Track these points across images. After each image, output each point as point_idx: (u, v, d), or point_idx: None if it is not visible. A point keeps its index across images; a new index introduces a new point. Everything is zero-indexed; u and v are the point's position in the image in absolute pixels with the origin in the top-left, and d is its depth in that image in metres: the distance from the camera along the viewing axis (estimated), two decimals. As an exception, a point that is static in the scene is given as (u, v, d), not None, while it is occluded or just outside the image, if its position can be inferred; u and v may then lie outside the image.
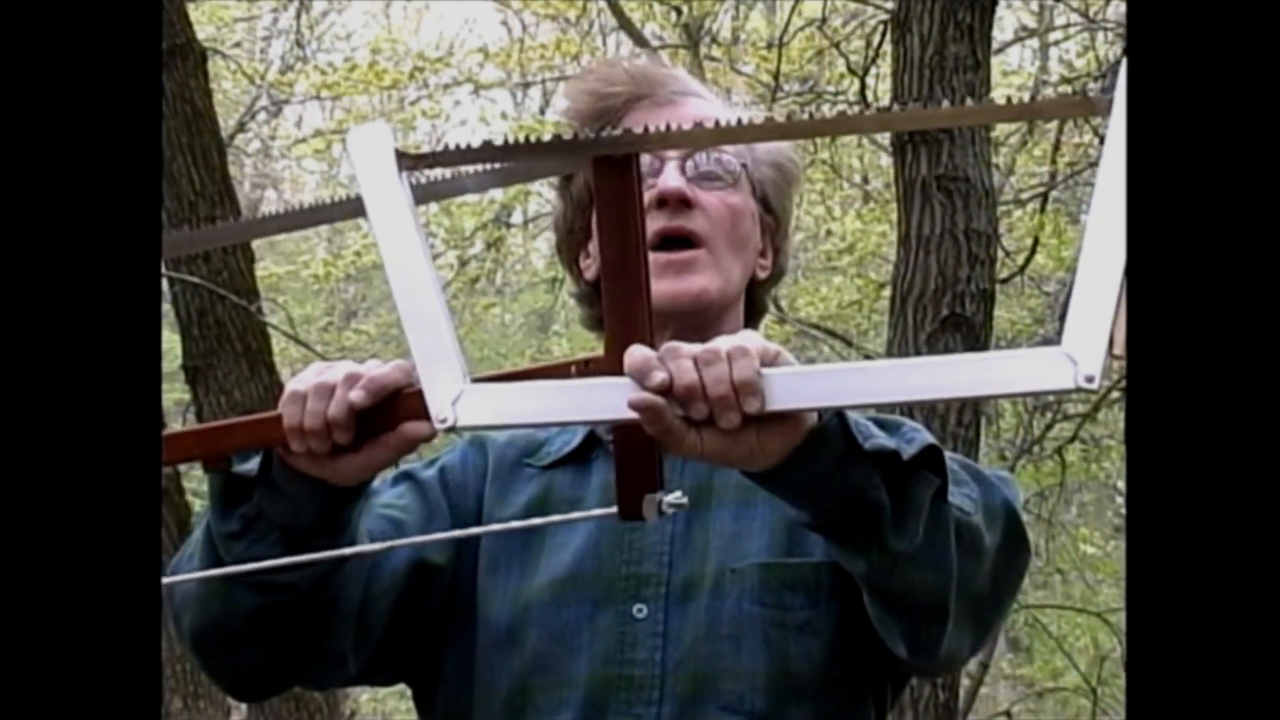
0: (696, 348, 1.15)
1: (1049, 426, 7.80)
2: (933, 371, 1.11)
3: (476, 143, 1.20)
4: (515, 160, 1.21)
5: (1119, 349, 1.06)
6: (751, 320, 1.55)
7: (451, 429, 1.18)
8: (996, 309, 4.71)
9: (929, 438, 1.29)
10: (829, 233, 8.62)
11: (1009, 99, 1.11)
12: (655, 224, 1.43)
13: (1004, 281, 5.90)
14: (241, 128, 9.14)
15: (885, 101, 4.96)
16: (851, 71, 5.76)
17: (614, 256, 1.20)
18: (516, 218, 9.67)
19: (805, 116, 1.17)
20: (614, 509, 1.24)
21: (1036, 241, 6.40)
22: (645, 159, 1.43)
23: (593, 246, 1.49)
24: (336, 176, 12.30)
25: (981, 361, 1.12)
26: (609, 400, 1.15)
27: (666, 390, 1.14)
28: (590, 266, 1.52)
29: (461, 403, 1.17)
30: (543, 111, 10.44)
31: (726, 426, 1.14)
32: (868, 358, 7.93)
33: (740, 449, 1.16)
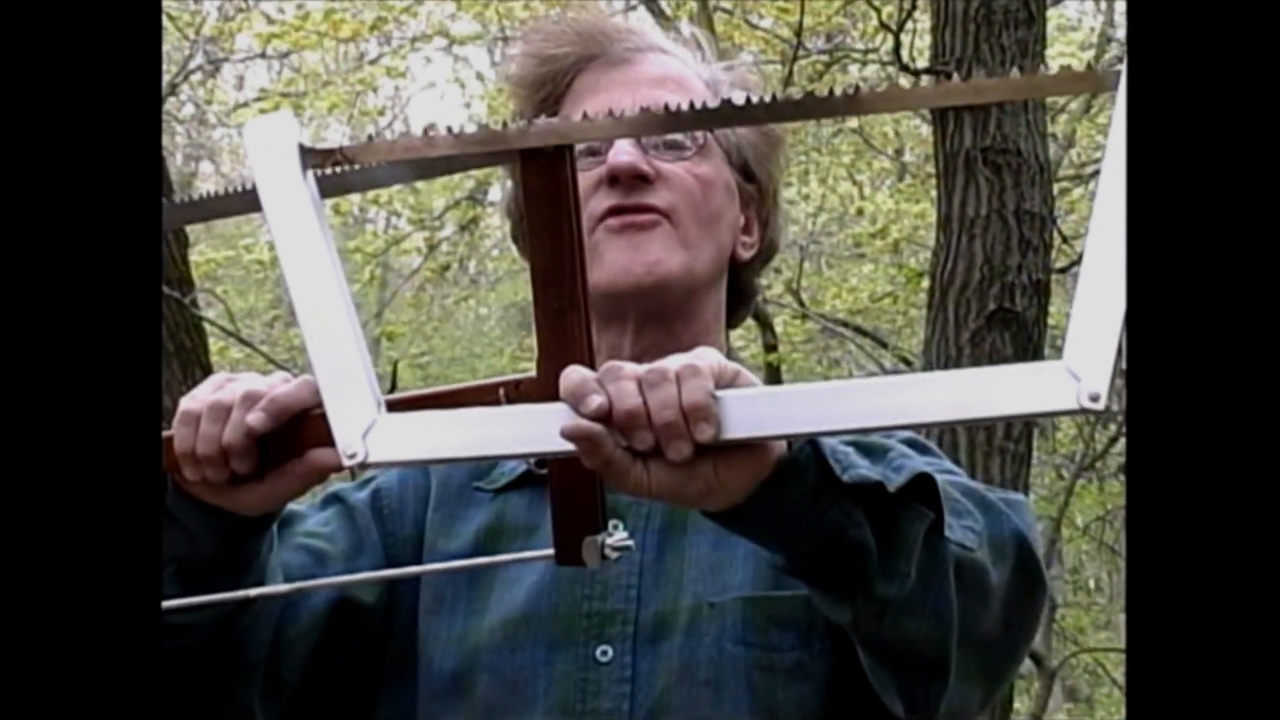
0: (640, 368, 1.13)
1: (1113, 440, 7.83)
2: (915, 392, 1.10)
3: (390, 136, 1.20)
4: (436, 157, 1.20)
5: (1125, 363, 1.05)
6: (737, 307, 1.54)
7: (362, 464, 1.16)
8: (1052, 302, 4.73)
9: (919, 464, 1.27)
10: (859, 213, 8.64)
11: (1010, 74, 1.10)
12: (604, 202, 1.43)
13: (1061, 271, 5.91)
14: (173, 90, 9.16)
15: (923, 62, 4.98)
16: (884, 26, 5.78)
17: (545, 265, 1.19)
18: (494, 194, 9.68)
19: (759, 99, 1.19)
20: (551, 550, 1.24)
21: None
22: None
23: None
24: (284, 146, 12.33)
25: (970, 380, 1.11)
26: (542, 430, 1.13)
27: (605, 416, 1.11)
28: None
29: (373, 434, 1.15)
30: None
31: (676, 458, 1.12)
32: (904, 360, 7.96)
33: (695, 484, 1.14)
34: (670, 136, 1.45)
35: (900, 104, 1.18)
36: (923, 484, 1.24)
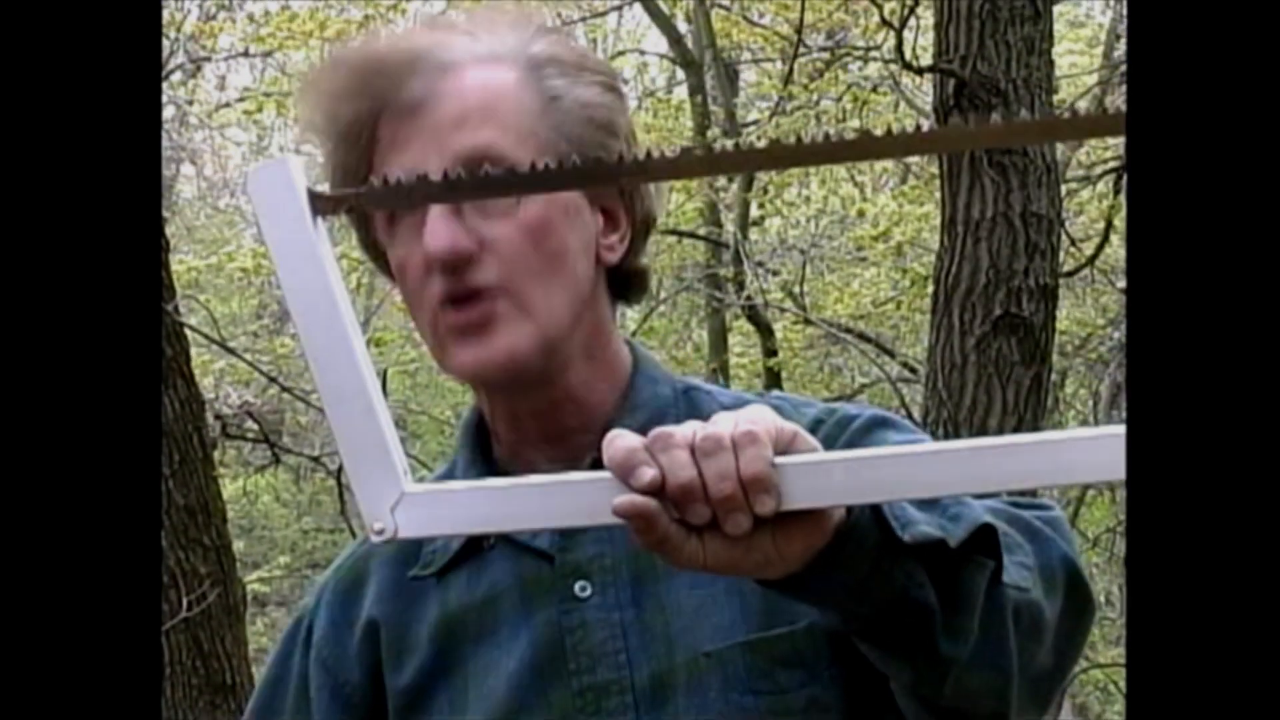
0: (691, 431, 1.09)
1: (1125, 449, 7.81)
2: (991, 459, 1.08)
3: (406, 178, 1.15)
4: (463, 199, 1.17)
5: None
6: (629, 290, 1.45)
7: (391, 539, 1.13)
8: (1060, 307, 4.73)
9: (979, 513, 1.22)
10: (861, 215, 8.65)
11: (1027, 118, 1.08)
12: (437, 286, 1.34)
13: (1069, 275, 5.93)
14: (154, 89, 9.14)
15: (926, 60, 4.99)
16: (886, 23, 5.79)
17: None
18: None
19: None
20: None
21: (1109, 226, 6.41)
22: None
23: (400, 292, 1.41)
24: (267, 148, 12.33)
25: (1037, 446, 1.09)
26: (588, 503, 1.11)
27: (658, 490, 1.08)
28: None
29: (402, 509, 1.13)
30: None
31: (735, 532, 1.08)
32: (908, 367, 7.96)
33: (753, 557, 1.11)
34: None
35: (909, 149, 1.10)
36: (983, 533, 1.20)
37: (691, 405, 1.42)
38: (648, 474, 1.08)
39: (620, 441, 1.10)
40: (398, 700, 1.43)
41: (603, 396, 1.42)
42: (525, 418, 1.41)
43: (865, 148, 1.11)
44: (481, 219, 1.34)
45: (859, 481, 1.09)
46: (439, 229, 1.32)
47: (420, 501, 1.13)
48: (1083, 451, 1.07)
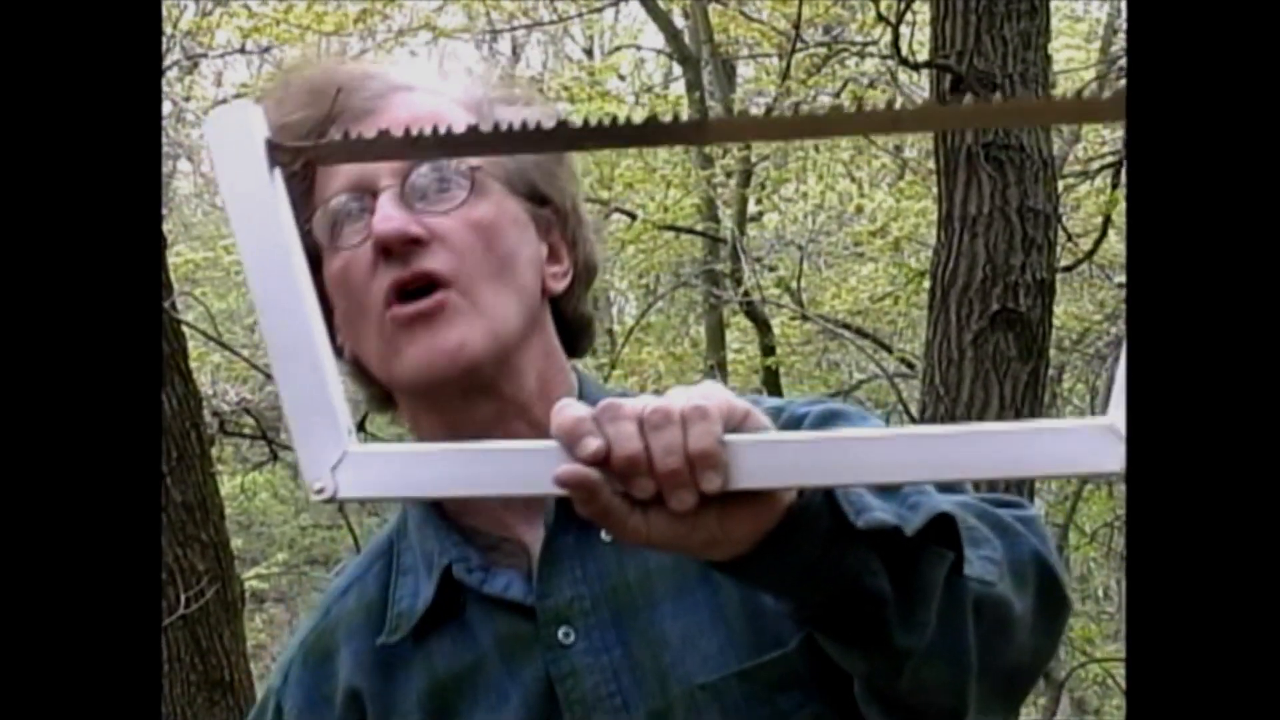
0: (641, 404, 1.07)
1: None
2: (951, 446, 1.05)
3: (370, 133, 1.12)
4: (423, 156, 1.15)
5: None
6: (576, 339, 1.44)
7: (331, 500, 1.10)
8: (1057, 303, 4.74)
9: (938, 502, 1.19)
10: (858, 210, 8.66)
11: (1009, 100, 1.07)
12: (385, 278, 1.32)
13: (1066, 270, 5.93)
14: (150, 85, 9.13)
15: (923, 55, 4.99)
16: (883, 19, 5.79)
17: None
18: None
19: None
20: None
21: (1108, 221, 6.41)
22: (348, 195, 1.34)
23: (337, 318, 1.37)
24: (265, 144, 12.33)
25: (1009, 436, 1.07)
26: (531, 471, 1.08)
27: (603, 460, 1.06)
28: (344, 342, 1.39)
29: (343, 468, 1.09)
30: (514, 63, 10.48)
31: (679, 508, 1.07)
32: (906, 362, 7.97)
33: (698, 535, 1.09)
34: (439, 180, 1.34)
35: (902, 126, 1.08)
36: (942, 523, 1.18)
37: None
38: (592, 444, 1.06)
39: (568, 410, 1.08)
40: None
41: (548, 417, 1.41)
42: (472, 435, 1.34)
43: (866, 122, 1.07)
44: (430, 214, 1.33)
45: (810, 464, 1.07)
46: (390, 213, 1.32)
47: (362, 462, 1.10)
48: (1041, 444, 1.05)
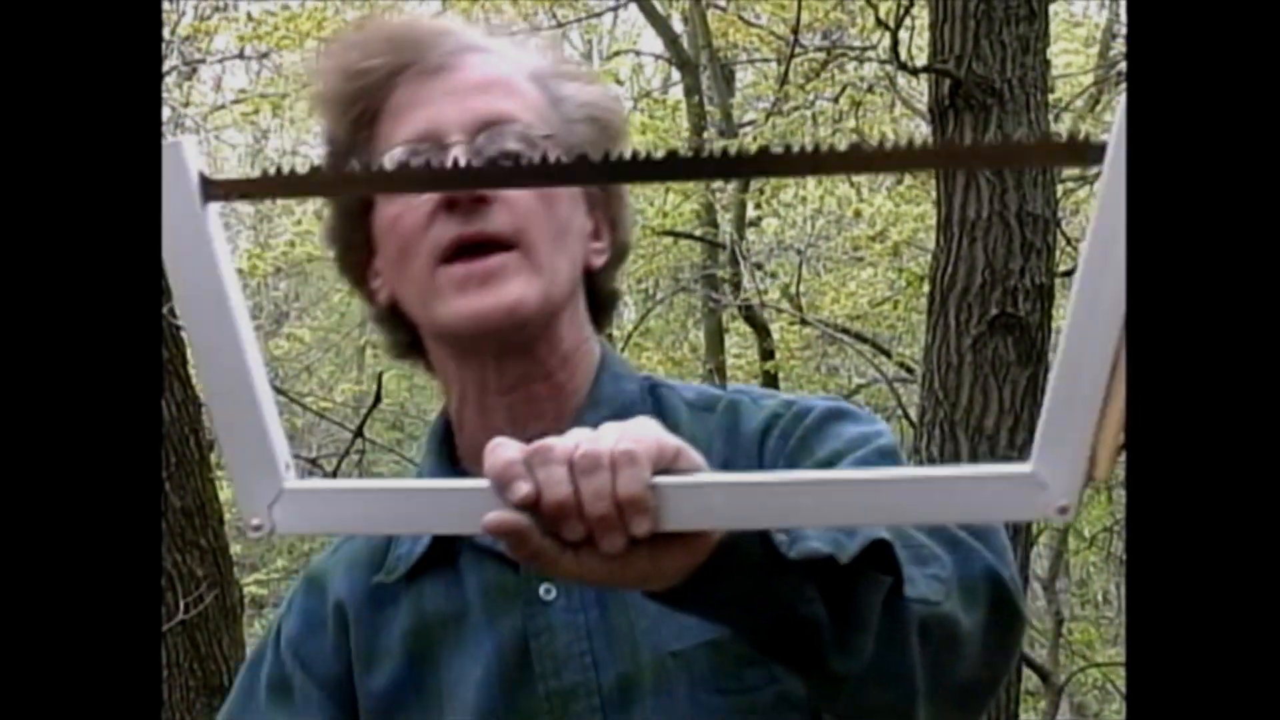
0: (572, 444, 1.08)
1: (1120, 449, 7.82)
2: (872, 492, 1.07)
3: (301, 168, 1.12)
4: (353, 193, 1.15)
5: (1102, 471, 1.03)
6: (600, 314, 1.49)
7: (268, 535, 1.12)
8: (1056, 307, 4.74)
9: (876, 528, 1.19)
10: (857, 215, 8.66)
11: (972, 142, 1.07)
12: (446, 232, 1.36)
13: (1066, 274, 5.92)
14: (149, 91, 9.13)
15: (922, 60, 5.00)
16: (882, 23, 5.80)
17: None
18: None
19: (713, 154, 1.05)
20: None
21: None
22: (414, 145, 1.38)
23: (379, 262, 1.44)
24: (263, 149, 12.33)
25: (931, 482, 1.08)
26: (464, 511, 1.09)
27: (533, 504, 1.07)
28: (382, 287, 1.44)
29: (280, 505, 1.11)
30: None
31: (609, 550, 1.07)
32: (905, 367, 7.97)
33: (630, 572, 1.10)
34: (508, 148, 1.38)
35: (853, 167, 1.07)
36: (880, 549, 1.18)
37: (657, 401, 1.45)
38: (522, 489, 1.07)
39: (500, 452, 1.09)
40: (369, 703, 1.44)
41: (575, 386, 1.43)
42: (496, 391, 1.41)
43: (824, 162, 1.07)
44: None
45: (738, 507, 1.08)
46: None
47: (298, 498, 1.12)
48: (964, 490, 1.07)
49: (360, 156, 1.39)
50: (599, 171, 1.14)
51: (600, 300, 1.48)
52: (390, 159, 1.38)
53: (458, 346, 1.41)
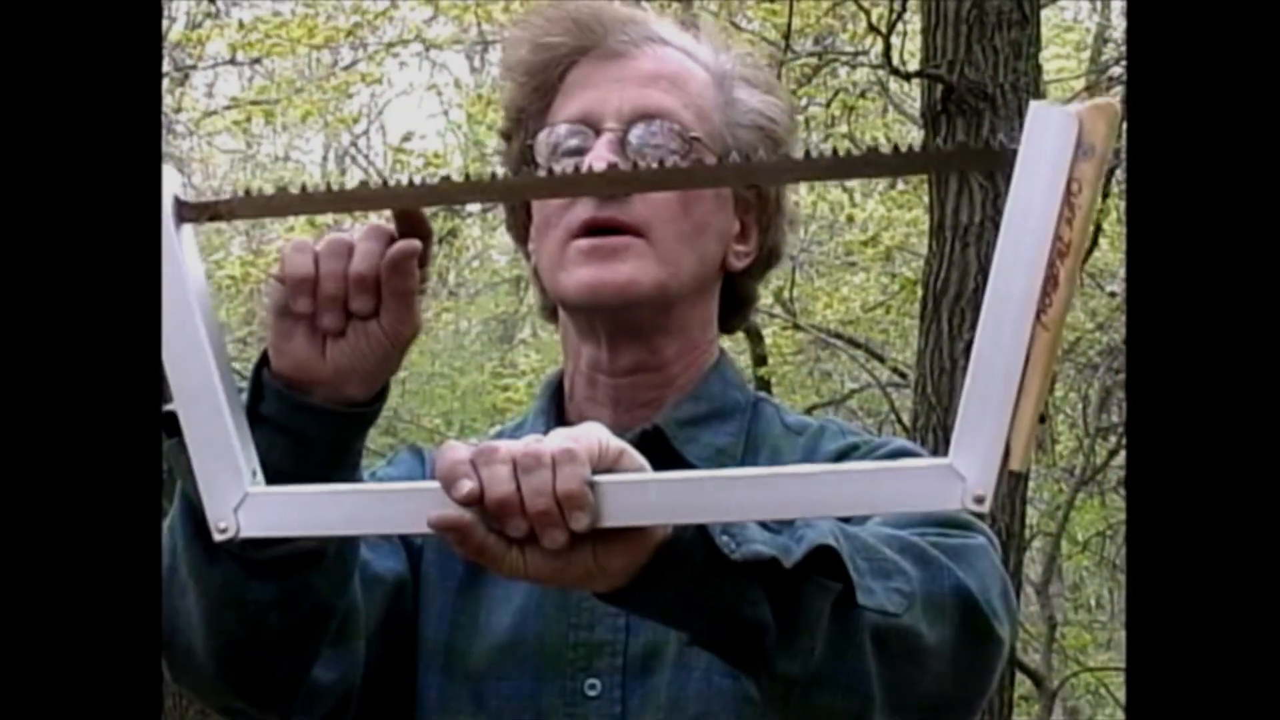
0: (517, 446, 1.12)
1: (1113, 454, 7.85)
2: (800, 486, 1.13)
3: (270, 190, 1.20)
4: (319, 212, 1.20)
5: (1017, 462, 1.07)
6: (732, 314, 1.54)
7: (232, 539, 1.18)
8: (1049, 312, 4.73)
9: (823, 534, 1.21)
10: (850, 220, 8.66)
11: (894, 148, 1.09)
12: (583, 213, 1.42)
13: (1058, 279, 5.92)
14: (141, 97, 9.13)
15: (914, 65, 5.01)
16: (874, 29, 5.81)
17: None
18: (473, 205, 9.68)
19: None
20: None
21: (1099, 230, 6.44)
22: (573, 125, 1.44)
23: (534, 225, 1.49)
24: (255, 155, 12.32)
25: (855, 476, 1.15)
26: (415, 511, 1.14)
27: (476, 501, 1.11)
28: (534, 251, 1.50)
29: (245, 509, 1.17)
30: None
31: (551, 546, 1.12)
32: (897, 371, 7.98)
33: (574, 570, 1.14)
34: (655, 142, 1.43)
35: (777, 177, 1.18)
36: (826, 555, 1.21)
37: (756, 415, 1.50)
38: (465, 486, 1.11)
39: (449, 453, 1.14)
40: (421, 581, 1.46)
41: (685, 382, 1.48)
42: (606, 372, 1.46)
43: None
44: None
45: (674, 502, 1.13)
46: (604, 155, 1.40)
47: (262, 503, 1.18)
48: (887, 482, 1.12)
49: (535, 126, 1.46)
50: (599, 181, 1.22)
51: (736, 301, 1.53)
52: (549, 134, 1.45)
53: (575, 321, 1.47)
